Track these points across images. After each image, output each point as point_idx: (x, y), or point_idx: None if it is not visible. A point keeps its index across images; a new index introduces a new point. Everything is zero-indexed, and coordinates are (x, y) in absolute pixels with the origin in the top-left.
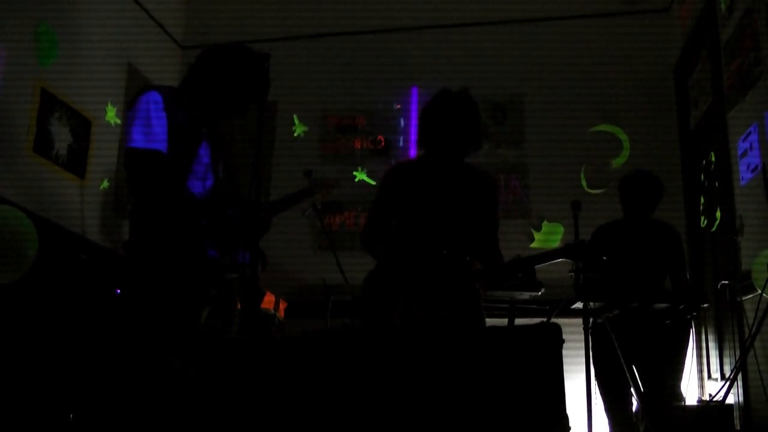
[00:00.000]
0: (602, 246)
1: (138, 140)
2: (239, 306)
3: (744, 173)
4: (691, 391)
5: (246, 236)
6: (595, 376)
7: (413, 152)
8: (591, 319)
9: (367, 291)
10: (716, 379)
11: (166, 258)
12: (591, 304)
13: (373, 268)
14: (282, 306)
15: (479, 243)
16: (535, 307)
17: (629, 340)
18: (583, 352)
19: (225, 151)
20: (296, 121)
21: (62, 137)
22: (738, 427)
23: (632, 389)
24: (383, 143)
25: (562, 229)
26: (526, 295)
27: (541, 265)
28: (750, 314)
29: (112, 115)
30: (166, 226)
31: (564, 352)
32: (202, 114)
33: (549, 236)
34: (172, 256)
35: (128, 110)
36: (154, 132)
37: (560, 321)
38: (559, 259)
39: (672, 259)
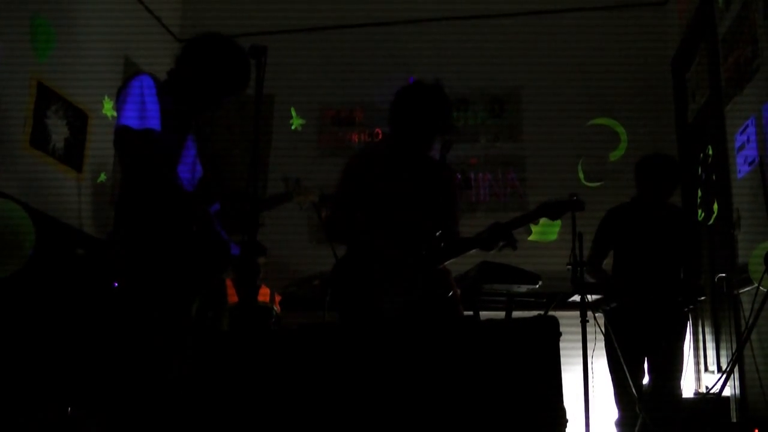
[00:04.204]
0: (575, 201)
1: (131, 118)
2: (233, 299)
3: (741, 166)
4: (688, 384)
5: (239, 229)
6: (609, 368)
7: None
8: (592, 311)
9: (343, 278)
10: (713, 372)
11: (156, 247)
12: (588, 297)
13: (343, 255)
14: (277, 299)
15: (443, 234)
16: (532, 300)
17: (627, 334)
18: (580, 344)
19: (209, 145)
20: (293, 114)
21: (59, 130)
22: (734, 420)
23: (629, 382)
24: (381, 136)
25: (559, 223)
26: (523, 288)
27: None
28: (747, 307)
29: (108, 109)
30: (158, 213)
31: (561, 345)
32: (188, 105)
33: (546, 229)
34: (162, 246)
35: (120, 92)
36: (147, 113)
37: (557, 314)
38: (539, 219)
39: (687, 247)
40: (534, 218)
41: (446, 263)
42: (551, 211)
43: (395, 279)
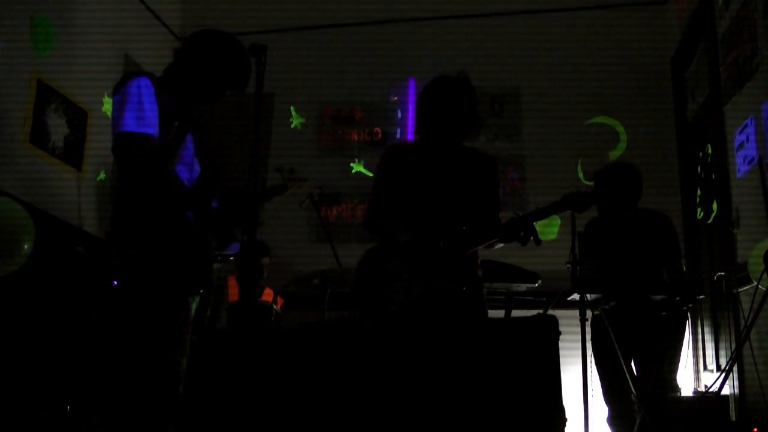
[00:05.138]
0: (599, 194)
1: (130, 124)
2: (232, 298)
3: (740, 165)
4: (687, 383)
5: (239, 226)
6: (596, 365)
7: None
8: (591, 310)
9: (363, 269)
10: (712, 371)
11: (155, 246)
12: (587, 295)
13: (369, 249)
14: (279, 302)
15: (481, 225)
16: (531, 298)
17: (626, 332)
18: (579, 343)
19: (206, 141)
20: (293, 112)
21: (59, 128)
22: (733, 418)
23: (629, 381)
24: (380, 135)
25: (558, 221)
26: (522, 287)
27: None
28: (746, 306)
29: (108, 107)
30: (157, 212)
31: (560, 344)
32: (187, 101)
33: (546, 228)
34: (161, 244)
35: (115, 94)
36: (146, 116)
37: (557, 313)
38: (560, 212)
39: (665, 247)
40: (558, 210)
41: (477, 259)
42: (577, 203)
43: (406, 274)
